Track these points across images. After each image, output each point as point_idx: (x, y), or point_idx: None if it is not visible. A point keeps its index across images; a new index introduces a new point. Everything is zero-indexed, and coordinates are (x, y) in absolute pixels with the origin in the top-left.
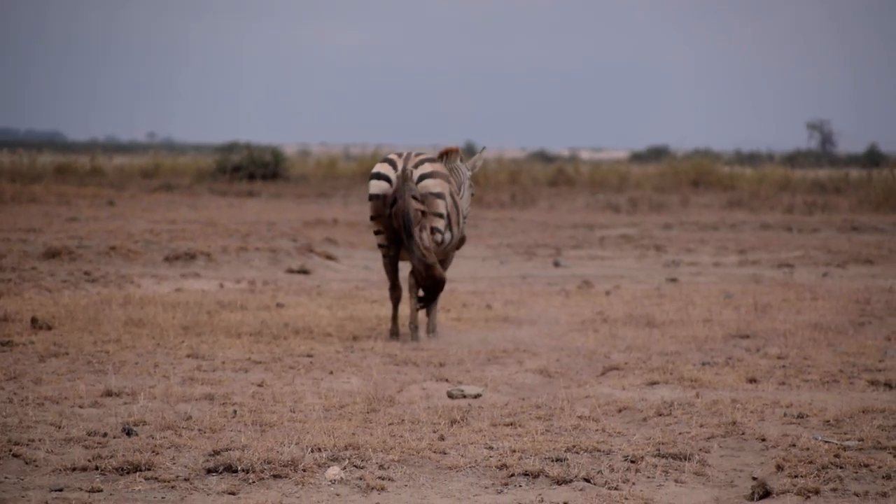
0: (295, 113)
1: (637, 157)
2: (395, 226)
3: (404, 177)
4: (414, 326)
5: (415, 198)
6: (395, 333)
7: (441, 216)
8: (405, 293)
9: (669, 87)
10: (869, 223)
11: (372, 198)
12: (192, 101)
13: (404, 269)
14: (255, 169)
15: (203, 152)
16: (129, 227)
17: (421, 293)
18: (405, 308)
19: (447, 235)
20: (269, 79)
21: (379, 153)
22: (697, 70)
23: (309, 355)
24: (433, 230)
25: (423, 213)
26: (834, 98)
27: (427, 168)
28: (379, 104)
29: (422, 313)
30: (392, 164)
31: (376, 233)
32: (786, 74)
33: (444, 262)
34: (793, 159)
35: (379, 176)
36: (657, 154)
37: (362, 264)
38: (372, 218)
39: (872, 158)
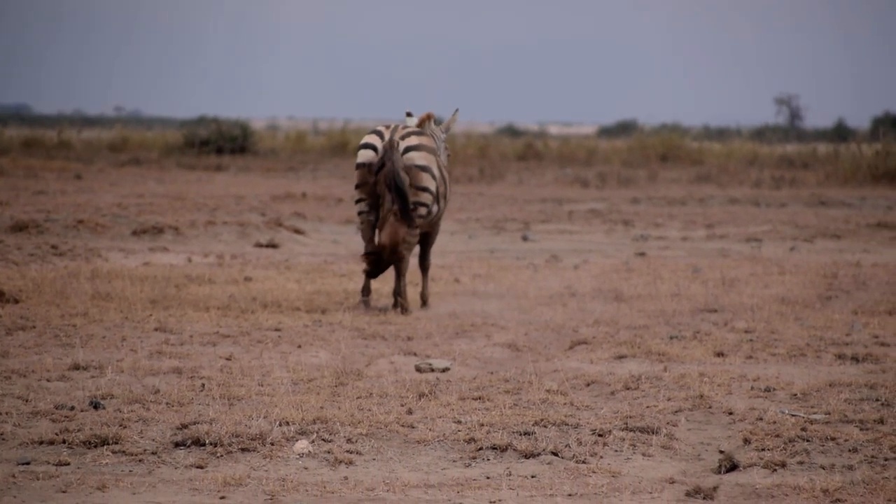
0: (263, 87)
1: (605, 132)
2: (378, 192)
3: (391, 145)
4: (399, 297)
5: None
6: (366, 290)
7: (426, 190)
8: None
9: (638, 62)
10: (836, 198)
11: (358, 166)
12: (161, 75)
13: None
14: (223, 143)
15: (171, 126)
16: (97, 201)
17: (365, 266)
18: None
19: (434, 208)
20: (237, 53)
21: (348, 127)
22: (666, 45)
23: (277, 329)
24: (417, 204)
25: (408, 185)
26: (802, 73)
27: (413, 141)
28: (347, 78)
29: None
30: (380, 134)
31: (358, 201)
32: (754, 49)
33: (431, 234)
34: (761, 134)
35: (366, 146)
36: (626, 129)
37: (331, 238)
38: (357, 186)
39: (840, 133)
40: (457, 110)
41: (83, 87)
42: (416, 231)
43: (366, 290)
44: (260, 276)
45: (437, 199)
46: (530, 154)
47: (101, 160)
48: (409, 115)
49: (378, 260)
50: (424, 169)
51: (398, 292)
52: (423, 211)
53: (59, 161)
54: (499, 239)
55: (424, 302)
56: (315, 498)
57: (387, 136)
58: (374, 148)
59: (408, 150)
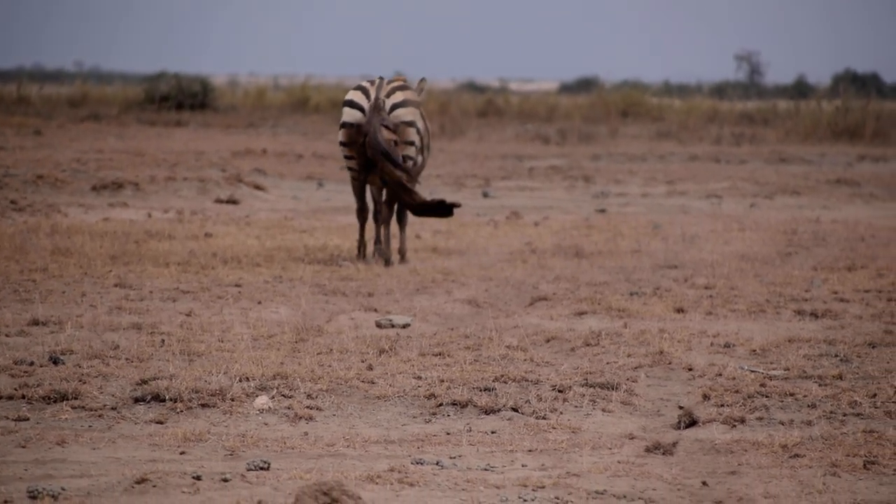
0: (224, 43)
1: (566, 88)
2: (369, 155)
3: (376, 107)
4: (380, 247)
5: (387, 127)
6: (361, 252)
7: (412, 144)
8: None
9: (599, 18)
10: (796, 154)
11: (344, 125)
12: (120, 30)
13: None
14: (183, 99)
15: (131, 82)
16: (57, 156)
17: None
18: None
19: (419, 159)
20: (198, 8)
21: (308, 83)
22: (627, 1)
23: (237, 285)
24: (405, 158)
25: (395, 142)
26: (763, 29)
27: (399, 97)
28: (307, 34)
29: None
30: (365, 92)
31: (347, 157)
32: (714, 5)
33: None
34: (721, 91)
35: (352, 104)
36: (586, 85)
37: (291, 194)
38: (343, 144)
39: (800, 90)
40: (422, 79)
41: (42, 41)
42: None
43: (378, 240)
44: (220, 232)
45: (420, 150)
46: (491, 110)
47: (60, 115)
48: (423, 80)
49: (424, 206)
50: (410, 124)
51: (401, 247)
52: (409, 164)
53: (18, 117)
54: (459, 195)
55: (403, 256)
56: (275, 453)
57: (372, 94)
58: (360, 108)
59: (394, 107)
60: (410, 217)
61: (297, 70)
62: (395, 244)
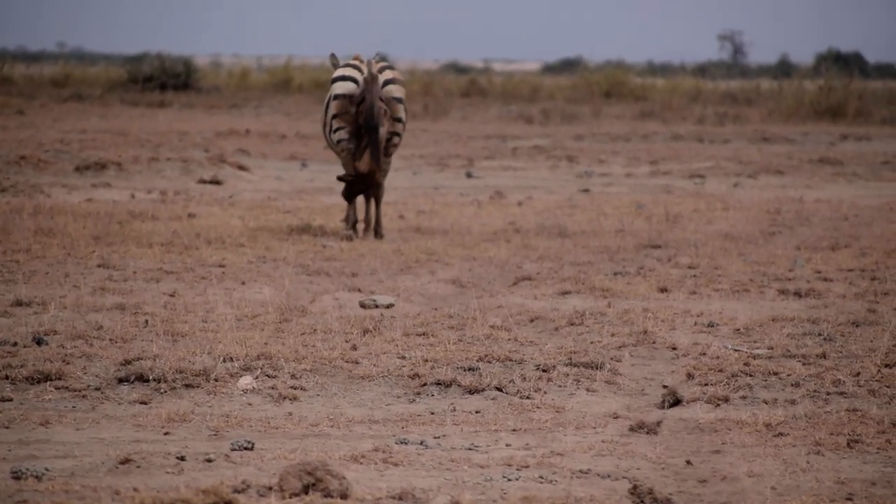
0: (207, 24)
1: (549, 69)
2: (360, 122)
3: (373, 78)
4: (363, 225)
5: (381, 99)
6: (352, 222)
7: (400, 120)
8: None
9: None
10: (779, 134)
11: (338, 97)
12: (103, 10)
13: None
14: (166, 80)
15: (114, 63)
16: (40, 137)
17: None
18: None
19: (400, 137)
20: None
21: (291, 64)
22: None
23: (221, 265)
24: (393, 134)
25: (386, 113)
26: (746, 9)
27: (389, 74)
28: (291, 15)
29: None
30: (356, 67)
31: (337, 129)
32: None
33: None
34: (704, 70)
35: (345, 78)
36: (569, 65)
37: (274, 175)
38: (335, 116)
39: (783, 69)
40: (376, 53)
41: (25, 22)
42: (390, 159)
43: (350, 220)
44: (203, 213)
45: (404, 126)
46: (474, 91)
47: (43, 96)
48: (333, 56)
49: (353, 184)
50: (400, 101)
51: (377, 220)
52: (397, 140)
53: (1, 97)
54: (443, 175)
55: (380, 229)
56: (259, 433)
57: (364, 69)
58: (354, 80)
59: (386, 83)
60: (390, 196)
61: (280, 51)
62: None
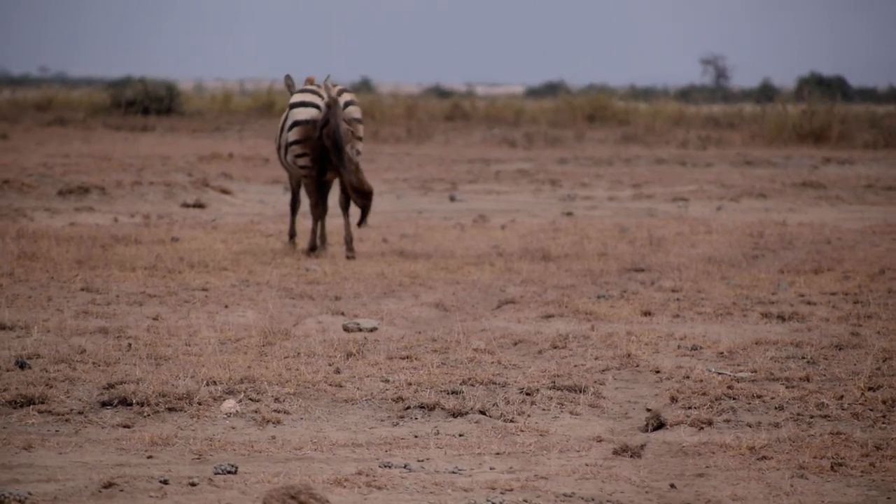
0: (190, 48)
1: (533, 93)
2: (326, 145)
3: (335, 101)
4: (349, 240)
5: (345, 121)
6: (313, 248)
7: (361, 139)
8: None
9: (565, 22)
10: (762, 157)
11: (300, 123)
12: (86, 34)
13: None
14: (149, 104)
15: (97, 87)
16: (23, 161)
17: (356, 213)
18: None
19: (359, 153)
20: (164, 13)
21: (274, 87)
22: (592, 5)
23: (204, 289)
24: (357, 152)
25: (351, 133)
26: (728, 33)
27: (347, 97)
28: (274, 39)
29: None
30: (315, 93)
31: (299, 156)
32: (680, 9)
33: None
34: (687, 94)
35: (306, 104)
36: (553, 89)
37: (258, 198)
38: (297, 142)
39: (766, 93)
40: (328, 76)
41: (7, 46)
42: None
43: (314, 234)
44: (186, 237)
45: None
46: (458, 114)
47: (26, 120)
48: (328, 76)
49: (360, 200)
50: (360, 121)
51: (349, 235)
52: (357, 158)
53: None
54: (426, 199)
55: (350, 244)
56: (243, 457)
57: (323, 94)
58: (316, 106)
59: (347, 105)
60: (374, 219)
61: (263, 75)
62: (337, 234)
